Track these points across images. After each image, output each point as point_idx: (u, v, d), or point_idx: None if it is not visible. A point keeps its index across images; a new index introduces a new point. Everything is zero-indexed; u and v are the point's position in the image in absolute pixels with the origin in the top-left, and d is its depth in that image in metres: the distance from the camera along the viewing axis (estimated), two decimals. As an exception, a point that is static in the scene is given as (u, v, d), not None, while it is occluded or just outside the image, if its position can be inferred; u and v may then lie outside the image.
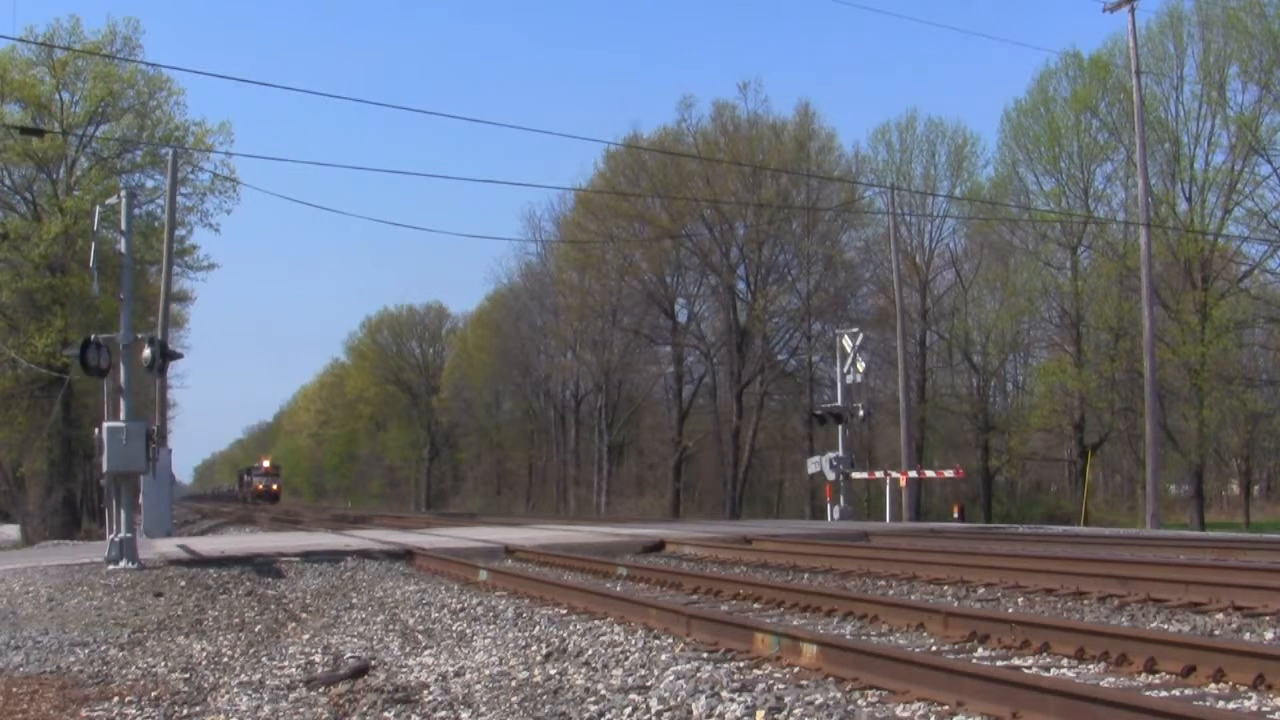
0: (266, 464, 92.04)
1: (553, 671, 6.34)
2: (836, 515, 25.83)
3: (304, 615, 9.59)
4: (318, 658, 7.22)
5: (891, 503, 27.26)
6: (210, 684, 6.47)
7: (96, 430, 14.73)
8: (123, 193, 15.87)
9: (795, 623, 7.82)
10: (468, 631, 8.15)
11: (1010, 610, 8.46)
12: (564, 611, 8.96)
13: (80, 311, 33.19)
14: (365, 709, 5.63)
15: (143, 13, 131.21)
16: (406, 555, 14.80)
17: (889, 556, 12.56)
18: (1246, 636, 6.98)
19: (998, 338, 44.40)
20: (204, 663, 7.24)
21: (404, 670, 6.66)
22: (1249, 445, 40.07)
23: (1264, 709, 4.85)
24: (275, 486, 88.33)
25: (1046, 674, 5.68)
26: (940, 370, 48.69)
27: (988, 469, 44.37)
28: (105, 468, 14.25)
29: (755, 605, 9.03)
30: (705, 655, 6.58)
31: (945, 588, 10.17)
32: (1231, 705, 4.93)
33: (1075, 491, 41.07)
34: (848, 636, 7.14)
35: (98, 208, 17.37)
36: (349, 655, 7.26)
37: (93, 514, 38.87)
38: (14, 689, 6.46)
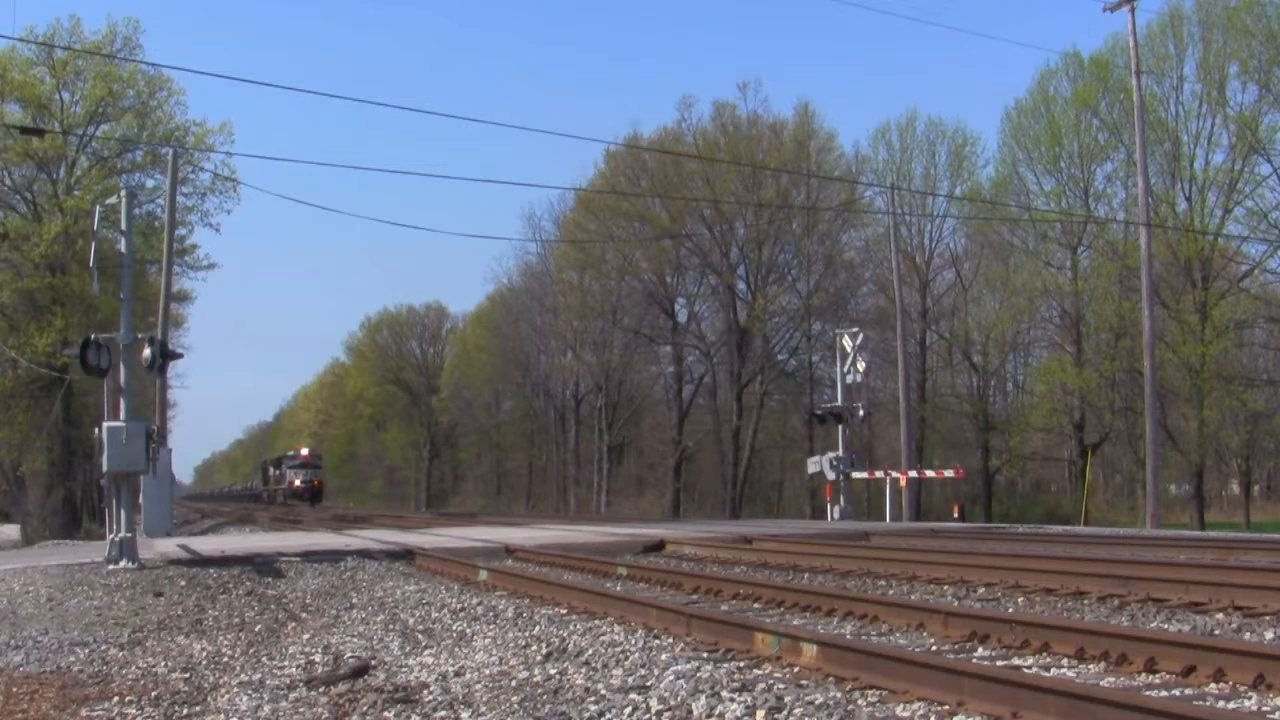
0: (304, 452, 72.69)
1: (553, 671, 6.34)
2: (836, 515, 25.83)
3: (304, 615, 9.59)
4: (318, 658, 7.22)
5: (891, 503, 27.26)
6: (210, 684, 6.47)
7: (96, 430, 14.73)
8: (123, 193, 15.89)
9: (795, 622, 7.82)
10: (468, 631, 8.15)
11: (1010, 610, 8.46)
12: (564, 611, 8.96)
13: (80, 311, 33.16)
14: (365, 709, 5.63)
15: (143, 12, 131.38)
16: (406, 555, 14.80)
17: (889, 556, 12.56)
18: (1246, 636, 6.97)
19: (998, 338, 44.39)
20: (204, 662, 7.24)
21: (404, 670, 6.66)
22: (1249, 445, 40.04)
23: (1264, 709, 4.85)
24: (317, 481, 69.66)
25: (1046, 674, 5.68)
26: (940, 370, 48.68)
27: (988, 469, 44.36)
28: (105, 468, 14.26)
29: (755, 605, 9.03)
30: (705, 655, 6.57)
31: (945, 588, 10.17)
32: (1231, 705, 4.93)
33: (1075, 491, 41.07)
34: (848, 636, 7.14)
35: (98, 208, 17.36)
36: (349, 655, 7.26)
37: (93, 514, 38.86)
38: (14, 689, 6.46)
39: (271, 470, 77.11)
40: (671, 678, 5.84)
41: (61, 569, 13.74)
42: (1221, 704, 4.94)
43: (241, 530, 31.18)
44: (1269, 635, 6.99)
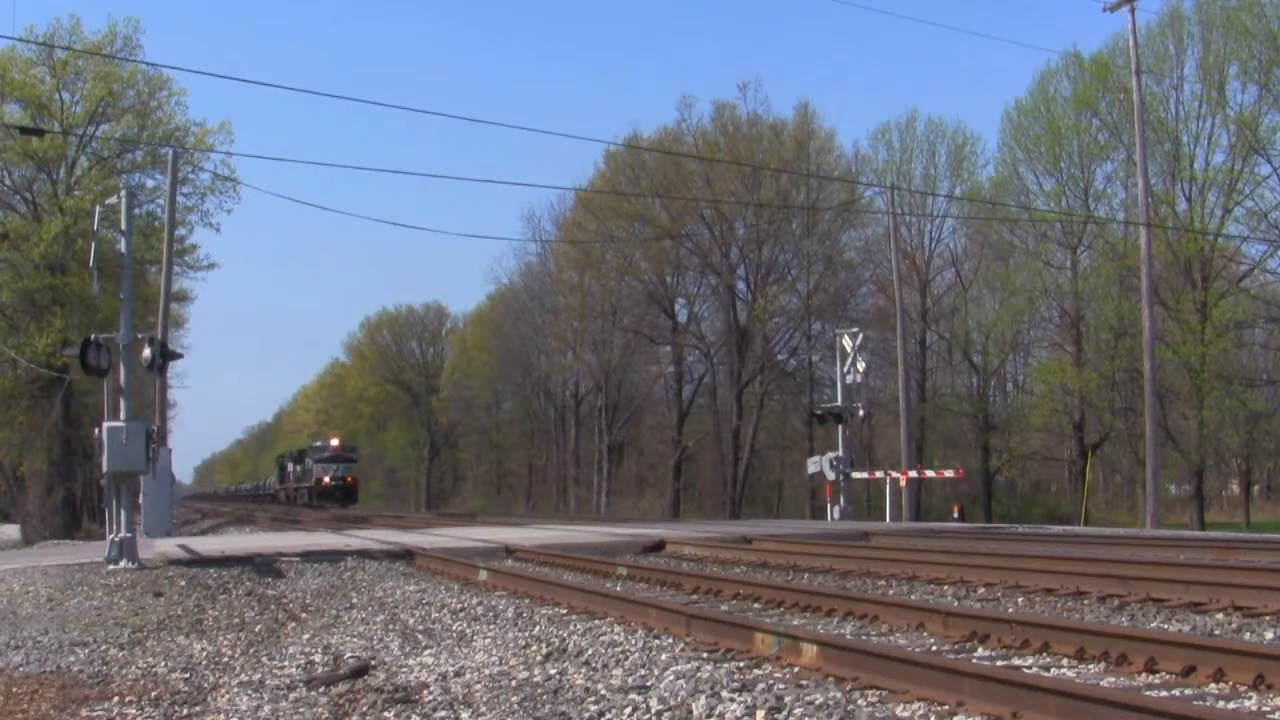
0: (334, 443, 62.09)
1: (553, 671, 6.34)
2: (836, 515, 25.82)
3: (304, 615, 9.59)
4: (318, 658, 7.22)
5: (891, 503, 27.24)
6: (210, 684, 6.47)
7: (96, 430, 14.73)
8: (123, 193, 15.88)
9: (795, 623, 7.82)
10: (468, 631, 8.14)
11: (1010, 610, 8.46)
12: (564, 611, 8.96)
13: (80, 311, 33.17)
14: (365, 709, 5.63)
15: (143, 12, 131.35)
16: (406, 555, 14.80)
17: (889, 556, 12.56)
18: (1246, 636, 6.97)
19: (998, 338, 44.41)
20: (204, 663, 7.24)
21: (404, 670, 6.66)
22: (1249, 445, 40.05)
23: (1264, 709, 4.85)
24: (350, 478, 59.75)
25: (1046, 674, 5.67)
26: (940, 370, 48.71)
27: (988, 469, 44.37)
28: (105, 468, 14.26)
29: (755, 605, 9.03)
30: (705, 655, 6.57)
31: (945, 588, 10.17)
32: (1231, 705, 4.93)
33: (1075, 491, 41.06)
34: (848, 636, 7.14)
35: (98, 208, 17.36)
36: (349, 655, 7.25)
37: (93, 514, 38.89)
38: (14, 689, 6.46)
39: (291, 466, 67.06)
40: (671, 678, 5.84)
41: (61, 569, 13.73)
42: (1221, 704, 4.94)
43: (241, 530, 31.19)
44: (1269, 635, 6.99)
